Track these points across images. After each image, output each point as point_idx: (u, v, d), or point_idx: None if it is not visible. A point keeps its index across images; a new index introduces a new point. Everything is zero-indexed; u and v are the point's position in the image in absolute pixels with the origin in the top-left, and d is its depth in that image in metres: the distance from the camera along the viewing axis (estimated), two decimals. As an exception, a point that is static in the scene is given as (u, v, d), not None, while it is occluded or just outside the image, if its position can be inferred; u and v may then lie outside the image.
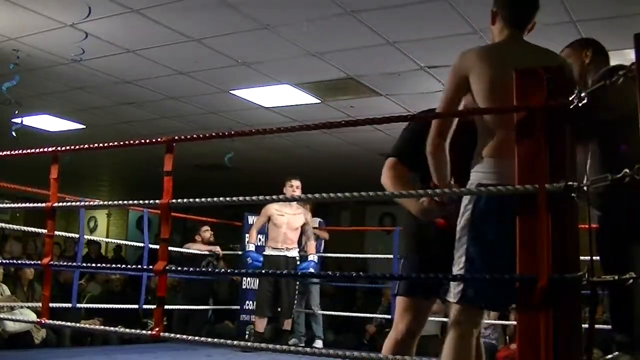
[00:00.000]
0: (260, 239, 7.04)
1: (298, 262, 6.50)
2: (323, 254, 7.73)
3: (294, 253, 6.48)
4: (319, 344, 6.96)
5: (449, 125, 2.25)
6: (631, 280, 1.76)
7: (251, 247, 6.65)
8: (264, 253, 6.55)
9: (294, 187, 6.32)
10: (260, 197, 2.46)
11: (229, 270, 8.15)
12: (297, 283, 6.62)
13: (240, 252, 7.63)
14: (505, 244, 2.04)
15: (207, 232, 7.75)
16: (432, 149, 2.25)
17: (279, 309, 6.44)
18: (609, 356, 2.57)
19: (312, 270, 6.42)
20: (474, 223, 2.12)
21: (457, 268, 2.15)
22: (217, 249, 7.64)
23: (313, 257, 6.55)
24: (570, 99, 1.82)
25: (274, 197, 5.49)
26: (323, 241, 7.62)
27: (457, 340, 2.10)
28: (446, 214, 2.32)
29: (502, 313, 6.05)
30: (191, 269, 6.81)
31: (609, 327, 2.60)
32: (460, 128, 2.27)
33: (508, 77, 2.13)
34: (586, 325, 1.88)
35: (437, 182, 2.28)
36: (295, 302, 6.63)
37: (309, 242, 6.58)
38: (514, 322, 3.77)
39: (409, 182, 2.53)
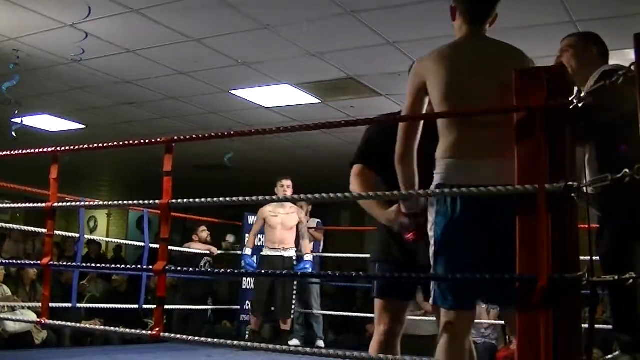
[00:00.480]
0: (260, 239, 7.03)
1: (295, 262, 6.50)
2: (322, 254, 7.72)
3: (291, 253, 6.47)
4: (320, 343, 6.95)
5: (414, 136, 2.18)
6: (631, 281, 1.76)
7: (247, 252, 6.64)
8: (262, 253, 6.55)
9: (285, 186, 6.32)
10: (260, 197, 2.46)
11: (228, 271, 8.14)
12: (295, 283, 6.62)
13: (240, 252, 7.64)
14: (467, 245, 2.03)
15: (204, 232, 7.79)
16: (400, 160, 2.20)
17: (273, 309, 6.46)
18: (610, 356, 2.57)
19: (310, 270, 6.40)
20: (438, 224, 2.10)
21: (431, 269, 2.15)
22: (214, 249, 7.68)
23: (309, 257, 6.53)
24: (570, 99, 1.82)
25: (274, 197, 5.50)
26: (321, 242, 7.61)
27: (445, 342, 2.10)
28: (416, 225, 2.28)
29: (503, 313, 6.04)
30: (190, 269, 6.81)
31: (609, 327, 2.60)
32: (428, 135, 2.20)
33: (464, 79, 2.09)
34: (586, 325, 1.88)
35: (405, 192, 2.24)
36: (295, 302, 6.63)
37: (303, 241, 6.55)
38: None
39: (377, 186, 2.51)
